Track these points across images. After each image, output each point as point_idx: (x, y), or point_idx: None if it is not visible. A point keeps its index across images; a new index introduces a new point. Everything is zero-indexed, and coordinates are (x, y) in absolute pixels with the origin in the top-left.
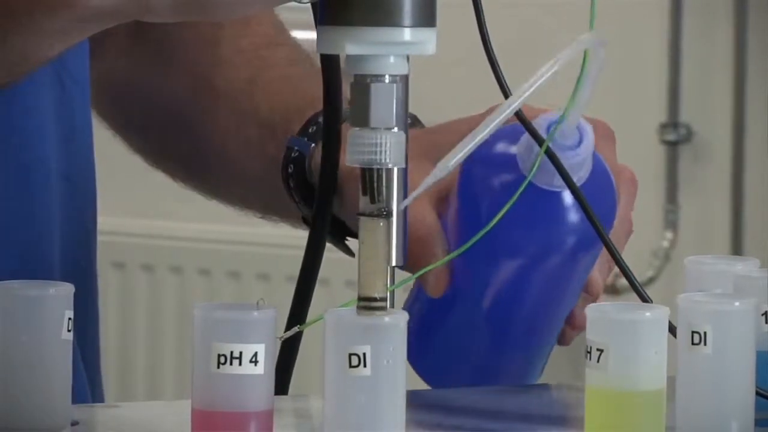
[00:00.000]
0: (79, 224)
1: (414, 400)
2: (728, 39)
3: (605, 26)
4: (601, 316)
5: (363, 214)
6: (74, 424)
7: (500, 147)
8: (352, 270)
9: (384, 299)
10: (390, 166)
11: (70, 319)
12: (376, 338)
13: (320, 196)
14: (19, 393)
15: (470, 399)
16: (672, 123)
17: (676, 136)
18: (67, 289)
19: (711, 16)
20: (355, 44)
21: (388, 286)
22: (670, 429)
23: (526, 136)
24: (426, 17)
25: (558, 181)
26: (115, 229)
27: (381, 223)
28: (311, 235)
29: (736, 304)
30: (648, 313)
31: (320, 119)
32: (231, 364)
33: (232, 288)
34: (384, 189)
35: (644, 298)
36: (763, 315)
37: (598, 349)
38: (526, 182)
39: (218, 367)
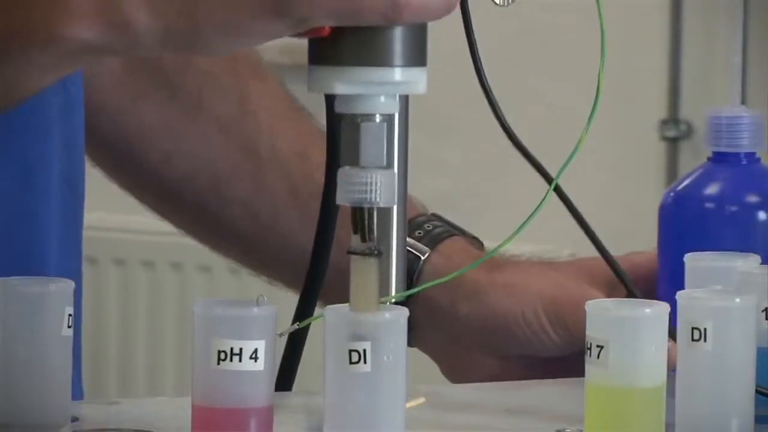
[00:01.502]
0: (73, 225)
1: (415, 395)
2: (729, 35)
3: (606, 23)
4: (602, 313)
5: (354, 253)
6: (74, 420)
7: None
8: None
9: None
10: (381, 204)
11: (70, 315)
12: (376, 335)
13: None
14: (20, 389)
15: (470, 395)
16: (672, 119)
17: (676, 133)
18: (67, 286)
19: (711, 13)
20: (345, 84)
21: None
22: (670, 426)
23: None
24: (416, 57)
25: None
26: (116, 226)
27: (372, 262)
28: (318, 235)
29: (737, 300)
30: (648, 310)
31: (426, 224)
32: (231, 360)
33: (233, 284)
34: (375, 228)
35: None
36: (763, 311)
37: (598, 346)
38: (554, 184)
39: (218, 364)
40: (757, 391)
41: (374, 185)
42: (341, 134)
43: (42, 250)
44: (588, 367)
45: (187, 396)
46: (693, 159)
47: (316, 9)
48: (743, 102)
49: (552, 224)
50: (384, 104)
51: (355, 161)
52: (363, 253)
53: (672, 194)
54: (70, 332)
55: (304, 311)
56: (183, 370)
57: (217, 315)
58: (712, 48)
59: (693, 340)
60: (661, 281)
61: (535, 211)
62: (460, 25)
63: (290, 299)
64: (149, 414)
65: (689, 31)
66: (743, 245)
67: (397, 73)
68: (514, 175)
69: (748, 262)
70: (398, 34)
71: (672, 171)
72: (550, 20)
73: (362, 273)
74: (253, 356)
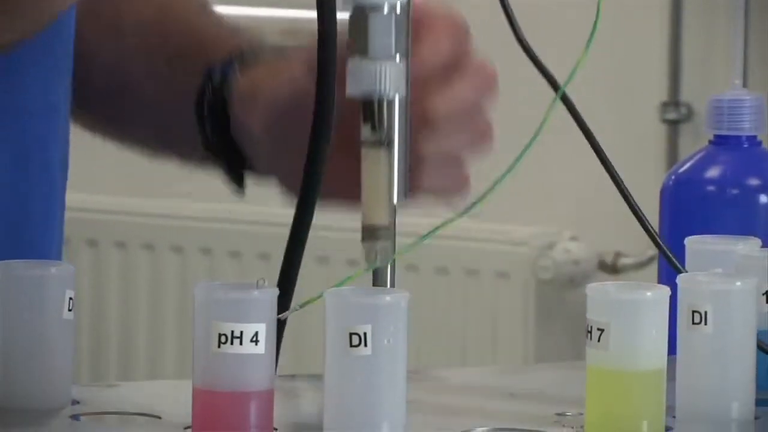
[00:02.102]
0: (63, 206)
1: (415, 379)
2: (730, 17)
3: (606, 5)
4: (602, 296)
5: (365, 144)
6: (74, 403)
7: None
8: (353, 248)
9: (387, 228)
10: (390, 96)
11: (71, 298)
12: (377, 317)
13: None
14: (21, 372)
15: (471, 378)
16: (673, 102)
17: (677, 115)
18: (68, 269)
19: None
20: None
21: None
22: (670, 409)
23: None
24: None
25: None
26: (116, 209)
27: (382, 153)
28: (300, 203)
29: (737, 283)
30: (649, 293)
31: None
32: (232, 343)
33: (234, 267)
34: (385, 118)
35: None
36: (764, 295)
37: (598, 329)
38: (539, 131)
39: (219, 347)
40: (758, 346)
41: (383, 76)
42: (350, 26)
43: (39, 232)
44: (589, 350)
45: (188, 379)
46: (693, 142)
47: None
48: (744, 85)
49: (552, 207)
50: None
51: (363, 52)
52: (374, 144)
53: (673, 177)
54: (71, 315)
55: (285, 287)
56: (184, 353)
57: (218, 298)
58: (712, 30)
59: (693, 323)
60: (661, 264)
61: (519, 157)
62: (464, 9)
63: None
64: (150, 397)
65: (690, 13)
66: (744, 228)
67: None
68: (508, 155)
69: (749, 246)
70: None
71: (672, 154)
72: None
73: (374, 163)
74: (254, 339)
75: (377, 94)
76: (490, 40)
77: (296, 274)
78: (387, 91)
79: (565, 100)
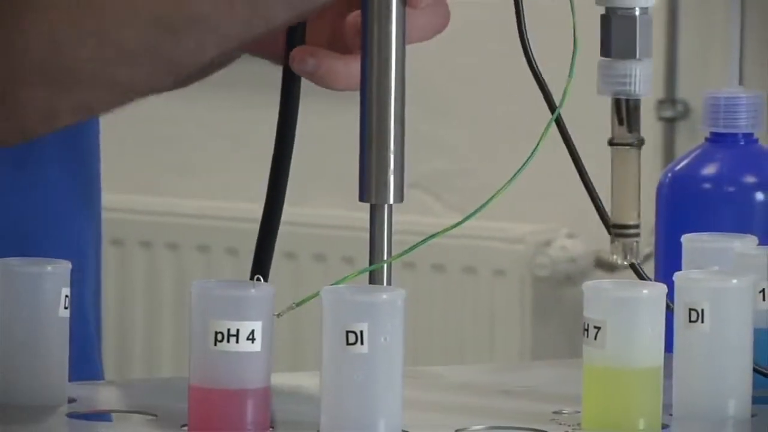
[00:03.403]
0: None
1: (411, 376)
2: (726, 15)
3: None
4: (599, 294)
5: (617, 144)
6: (71, 401)
7: None
8: (349, 246)
9: (637, 227)
10: (641, 96)
11: (67, 296)
12: (373, 315)
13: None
14: (17, 370)
15: (467, 375)
16: (669, 99)
17: (673, 113)
18: (64, 267)
19: None
20: None
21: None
22: (667, 406)
23: None
24: None
25: None
26: (113, 206)
27: (634, 153)
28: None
29: (734, 281)
30: (645, 291)
31: None
32: (228, 341)
33: (230, 265)
34: (640, 118)
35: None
36: (760, 292)
37: (595, 327)
38: (539, 143)
39: (216, 345)
40: (755, 371)
41: (635, 77)
42: (602, 27)
43: (42, 228)
44: (585, 348)
45: (185, 376)
46: (690, 139)
47: None
48: (741, 82)
49: (549, 204)
50: None
51: (614, 53)
52: (627, 144)
53: (669, 175)
54: (66, 313)
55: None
56: (180, 351)
57: (215, 296)
58: (709, 27)
59: (690, 321)
60: (658, 262)
61: (515, 174)
62: (460, 7)
63: (286, 281)
64: (146, 395)
65: (686, 10)
66: (741, 226)
67: None
68: (513, 155)
69: (746, 243)
70: None
71: (669, 151)
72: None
73: (625, 163)
74: (251, 337)
75: (629, 94)
76: (496, 43)
77: (269, 268)
78: (637, 91)
79: (558, 123)
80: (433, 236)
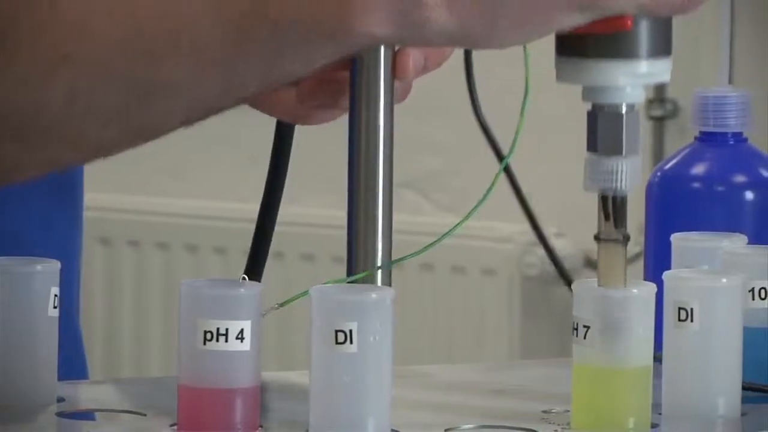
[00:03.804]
0: (66, 202)
1: (400, 376)
2: (716, 14)
3: None
4: (589, 293)
5: (603, 240)
6: (60, 400)
7: None
8: (338, 245)
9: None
10: (628, 192)
11: (56, 296)
12: (362, 315)
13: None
14: (6, 369)
15: (457, 375)
16: (658, 98)
17: (662, 112)
18: (53, 266)
19: None
20: (593, 76)
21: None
22: (657, 406)
23: None
24: (663, 47)
25: None
26: (102, 205)
27: (621, 248)
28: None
29: (723, 280)
30: (635, 290)
31: None
32: (217, 340)
33: (219, 264)
34: (626, 215)
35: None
36: (750, 291)
37: (584, 326)
38: (503, 165)
39: (204, 344)
40: (744, 389)
41: (621, 173)
42: (588, 123)
43: (25, 228)
44: (575, 348)
45: (174, 376)
46: (679, 138)
47: (625, 2)
48: (730, 81)
49: (538, 203)
50: (630, 94)
51: (600, 149)
52: (613, 240)
53: (659, 174)
54: (56, 312)
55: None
56: (169, 350)
57: (203, 295)
58: (699, 27)
59: (680, 320)
60: (647, 261)
61: (483, 198)
62: None
63: (274, 280)
64: (135, 394)
65: None
66: (730, 225)
67: (644, 65)
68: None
69: (735, 242)
70: (646, 25)
71: (658, 150)
72: None
73: (611, 257)
74: (239, 336)
75: (615, 191)
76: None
77: (262, 268)
78: (623, 188)
79: (507, 170)
80: (443, 237)
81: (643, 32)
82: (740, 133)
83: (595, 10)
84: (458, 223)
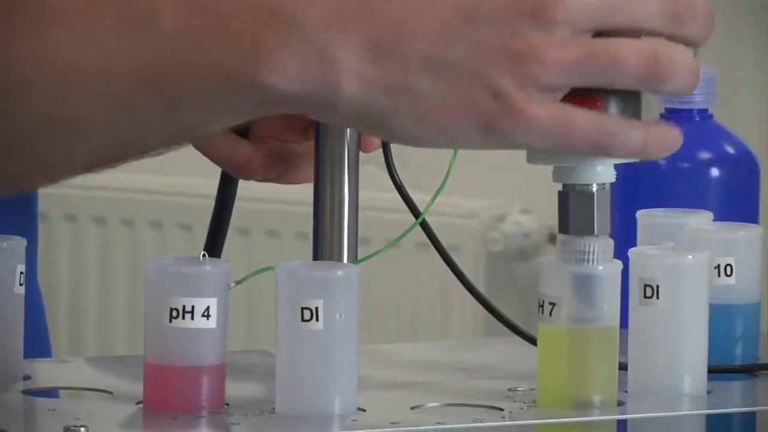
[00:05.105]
0: None
1: (366, 354)
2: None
3: None
4: (555, 270)
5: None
6: (26, 378)
7: None
8: (303, 222)
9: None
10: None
11: (22, 273)
12: (328, 292)
13: None
14: None
15: (422, 353)
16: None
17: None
18: (19, 243)
19: None
20: (563, 156)
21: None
22: (623, 383)
23: None
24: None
25: None
26: (67, 182)
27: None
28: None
29: (689, 257)
30: (601, 267)
31: None
32: (183, 318)
33: (183, 241)
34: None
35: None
36: (716, 268)
37: (550, 303)
38: (420, 218)
39: (170, 321)
40: (710, 371)
41: (592, 254)
42: (559, 203)
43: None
44: (540, 324)
45: (140, 354)
46: (644, 115)
47: (533, 136)
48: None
49: (503, 179)
50: (600, 173)
51: (571, 229)
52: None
53: None
54: (21, 290)
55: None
56: (134, 327)
57: (169, 272)
58: None
59: (645, 297)
60: (613, 238)
61: (399, 237)
62: None
63: (239, 257)
64: (101, 372)
65: None
66: (695, 202)
67: None
68: None
69: (701, 219)
70: (615, 103)
71: None
72: None
73: (585, 340)
74: (206, 314)
75: (588, 270)
76: None
77: (222, 245)
78: (597, 267)
79: (424, 226)
80: (418, 221)
81: (613, 111)
82: (705, 110)
83: (503, 142)
84: (421, 216)
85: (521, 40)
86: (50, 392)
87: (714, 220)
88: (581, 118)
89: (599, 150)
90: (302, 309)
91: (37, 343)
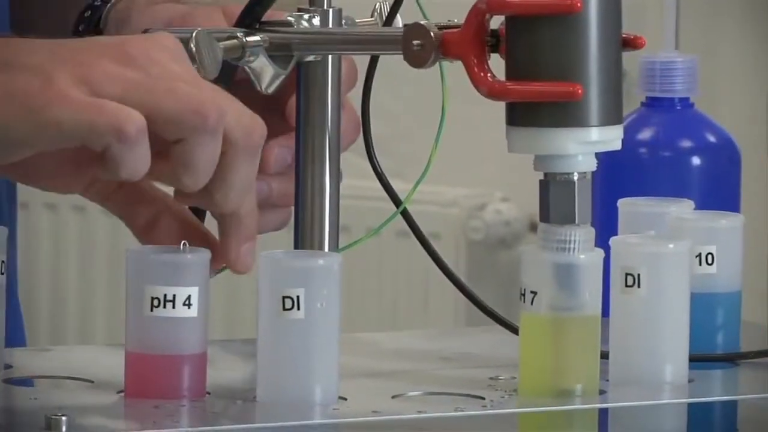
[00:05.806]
0: None
1: (347, 343)
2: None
3: None
4: (536, 258)
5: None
6: (7, 367)
7: None
8: None
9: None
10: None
11: (3, 261)
12: (310, 281)
13: None
14: None
15: (403, 342)
16: None
17: None
18: (0, 233)
19: None
20: (545, 145)
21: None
22: (604, 372)
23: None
24: (613, 115)
25: None
26: None
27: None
28: None
29: (670, 246)
30: (582, 256)
31: None
32: (164, 307)
33: None
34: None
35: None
36: (697, 257)
37: (531, 291)
38: (402, 207)
39: (152, 310)
40: (691, 359)
41: (574, 243)
42: (540, 192)
43: None
44: (522, 313)
45: (121, 343)
46: (626, 104)
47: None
48: (677, 47)
49: (483, 168)
50: (581, 162)
51: (552, 218)
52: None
53: None
54: (2, 279)
55: None
56: (115, 316)
57: (150, 261)
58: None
59: (627, 285)
60: (594, 226)
61: (380, 225)
62: None
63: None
64: (83, 361)
65: None
66: (677, 190)
67: (594, 133)
68: (448, 120)
69: (682, 208)
70: (596, 93)
71: None
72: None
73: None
74: (187, 303)
75: (569, 259)
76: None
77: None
78: (576, 255)
79: (405, 215)
80: (399, 210)
81: (594, 101)
82: (687, 99)
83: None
84: (402, 205)
85: None
86: (32, 381)
87: (695, 209)
88: None
89: None
90: (283, 298)
91: (12, 333)
